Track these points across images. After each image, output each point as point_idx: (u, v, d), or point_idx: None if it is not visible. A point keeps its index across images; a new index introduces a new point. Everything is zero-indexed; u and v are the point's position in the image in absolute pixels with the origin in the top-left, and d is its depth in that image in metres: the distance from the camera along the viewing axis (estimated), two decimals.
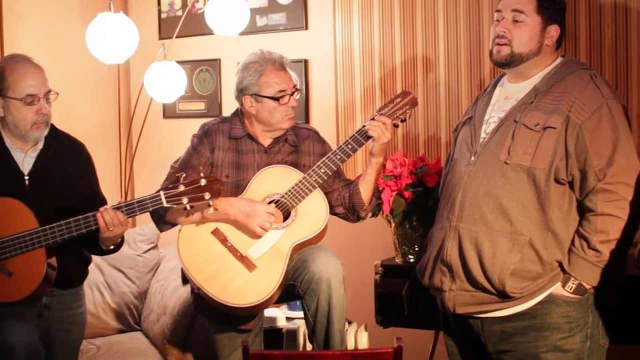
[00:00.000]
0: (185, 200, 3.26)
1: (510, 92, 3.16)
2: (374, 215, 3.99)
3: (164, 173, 3.71)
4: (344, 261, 3.51)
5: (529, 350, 2.98)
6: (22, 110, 3.41)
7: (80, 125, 4.63)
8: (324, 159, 3.57)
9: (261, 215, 3.48)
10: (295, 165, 3.70)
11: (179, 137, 4.42)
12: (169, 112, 5.58)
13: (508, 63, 3.12)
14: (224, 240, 3.54)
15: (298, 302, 3.60)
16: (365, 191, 3.67)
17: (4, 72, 3.42)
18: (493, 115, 3.15)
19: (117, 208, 3.32)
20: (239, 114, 3.76)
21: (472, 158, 3.09)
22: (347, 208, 3.73)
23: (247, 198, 3.57)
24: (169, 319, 4.47)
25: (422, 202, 3.94)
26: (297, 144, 3.76)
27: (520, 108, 3.05)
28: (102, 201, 3.58)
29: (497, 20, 3.14)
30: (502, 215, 2.97)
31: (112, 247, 3.52)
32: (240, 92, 3.69)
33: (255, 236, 3.51)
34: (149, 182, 5.17)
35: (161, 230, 3.74)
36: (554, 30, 3.11)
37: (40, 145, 3.52)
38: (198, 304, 3.68)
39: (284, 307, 4.59)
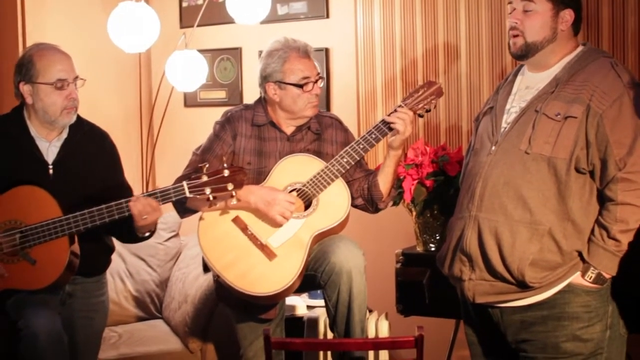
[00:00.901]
0: (208, 190, 3.26)
1: (532, 81, 3.14)
2: (395, 204, 3.98)
3: (185, 162, 3.72)
4: (364, 250, 3.51)
5: (549, 339, 2.98)
6: (52, 96, 3.43)
7: (102, 114, 4.64)
8: (347, 148, 3.57)
9: (282, 204, 3.48)
10: (318, 153, 3.69)
11: (200, 126, 4.43)
12: (190, 101, 5.60)
13: (524, 54, 3.09)
14: (244, 229, 3.55)
15: (319, 291, 3.59)
16: (383, 183, 3.66)
17: (32, 59, 3.44)
18: (514, 105, 3.13)
19: None
20: (262, 101, 3.76)
21: (493, 148, 3.08)
22: (366, 200, 3.72)
23: (269, 186, 3.57)
24: (190, 308, 4.49)
25: (443, 190, 3.92)
26: (320, 132, 3.75)
27: (541, 98, 3.03)
28: (127, 190, 3.59)
29: (510, 13, 3.12)
30: (522, 205, 2.96)
31: (147, 234, 3.53)
32: (264, 79, 3.69)
33: (276, 225, 3.51)
34: (170, 171, 5.16)
35: (182, 217, 3.76)
36: (567, 15, 3.07)
37: (65, 135, 3.53)
38: (220, 292, 3.69)
39: (304, 295, 4.60)
